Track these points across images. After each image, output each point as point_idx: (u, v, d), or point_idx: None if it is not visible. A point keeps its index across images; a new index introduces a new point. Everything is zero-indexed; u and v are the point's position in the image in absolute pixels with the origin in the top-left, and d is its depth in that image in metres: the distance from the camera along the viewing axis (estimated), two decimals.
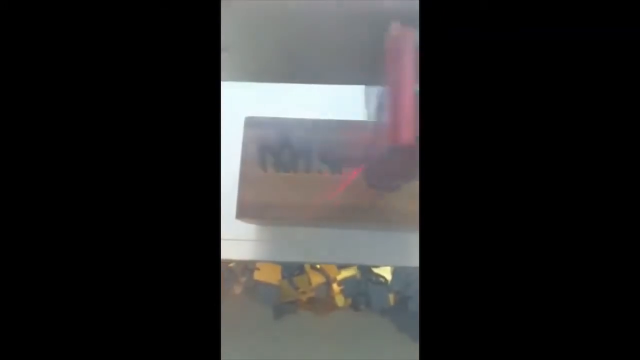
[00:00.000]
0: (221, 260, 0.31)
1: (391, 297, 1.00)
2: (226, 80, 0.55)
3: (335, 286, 1.00)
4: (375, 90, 0.41)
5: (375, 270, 1.01)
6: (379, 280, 1.01)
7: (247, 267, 0.98)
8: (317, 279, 1.00)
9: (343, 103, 0.57)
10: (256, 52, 0.60)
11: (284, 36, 0.48)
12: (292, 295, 0.98)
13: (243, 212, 0.47)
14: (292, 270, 0.99)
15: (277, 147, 0.48)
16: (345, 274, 1.01)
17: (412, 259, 0.56)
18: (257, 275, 0.98)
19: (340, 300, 0.99)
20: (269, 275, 0.98)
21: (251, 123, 0.49)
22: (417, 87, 0.29)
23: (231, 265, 0.98)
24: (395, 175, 0.41)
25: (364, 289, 1.00)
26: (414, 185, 0.46)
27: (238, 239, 0.57)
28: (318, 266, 1.00)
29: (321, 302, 0.99)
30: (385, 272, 1.02)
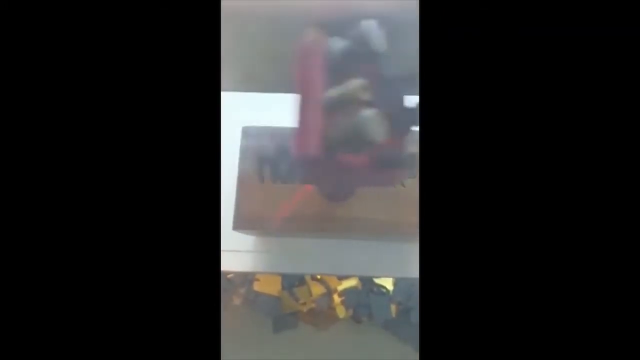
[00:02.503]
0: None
1: (393, 308, 0.98)
2: (225, 90, 0.55)
3: (336, 297, 0.99)
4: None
5: (377, 280, 1.00)
6: (380, 290, 1.00)
7: (247, 278, 0.97)
8: (317, 290, 0.99)
9: None
10: (254, 63, 0.60)
11: (283, 46, 0.47)
12: (292, 307, 0.97)
13: (240, 224, 0.46)
14: (293, 281, 0.98)
15: (274, 157, 0.47)
16: (346, 284, 1.00)
17: (413, 269, 0.56)
18: (257, 286, 0.97)
19: (341, 312, 0.98)
20: (269, 286, 0.97)
21: (248, 133, 0.48)
22: (325, 95, 0.28)
23: (230, 276, 0.97)
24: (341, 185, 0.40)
25: (365, 299, 0.99)
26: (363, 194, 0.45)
27: (236, 250, 0.56)
28: (319, 277, 0.99)
29: (322, 314, 0.97)
30: (387, 283, 1.01)
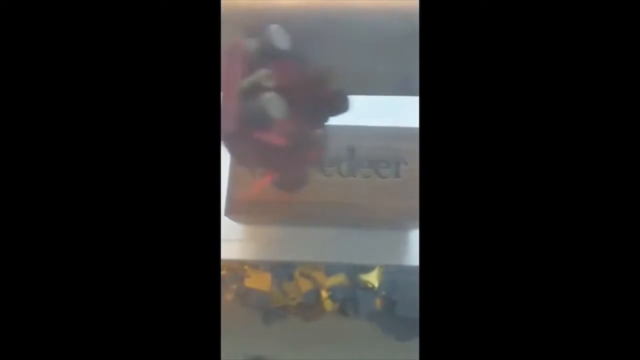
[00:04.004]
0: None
1: (378, 302, 1.03)
2: None
3: (323, 292, 1.03)
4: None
5: (363, 276, 1.04)
6: (366, 286, 1.04)
7: (238, 274, 1.01)
8: (305, 286, 1.03)
9: None
10: None
11: None
12: (281, 301, 1.01)
13: (232, 210, 0.50)
14: (282, 278, 1.02)
15: None
16: (333, 280, 1.04)
17: (402, 257, 0.58)
18: (248, 283, 1.01)
19: (328, 305, 1.02)
20: (259, 282, 1.01)
21: None
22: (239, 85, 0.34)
23: (222, 273, 1.01)
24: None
25: (351, 295, 1.03)
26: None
27: (228, 239, 0.59)
28: (307, 273, 1.03)
29: (310, 307, 1.02)
30: (372, 279, 1.05)
